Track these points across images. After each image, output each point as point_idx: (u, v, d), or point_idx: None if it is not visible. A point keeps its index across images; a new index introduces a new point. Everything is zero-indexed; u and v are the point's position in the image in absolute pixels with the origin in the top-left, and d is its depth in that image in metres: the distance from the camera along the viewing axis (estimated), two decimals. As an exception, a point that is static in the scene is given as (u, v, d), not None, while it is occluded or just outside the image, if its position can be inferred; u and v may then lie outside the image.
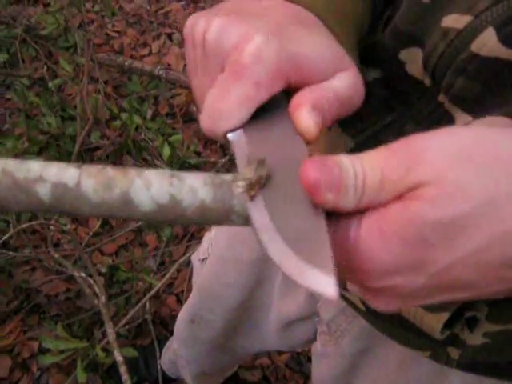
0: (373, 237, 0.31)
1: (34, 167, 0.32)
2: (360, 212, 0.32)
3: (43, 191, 0.32)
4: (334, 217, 0.33)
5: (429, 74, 0.46)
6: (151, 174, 0.32)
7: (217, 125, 0.37)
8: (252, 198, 0.32)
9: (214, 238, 0.96)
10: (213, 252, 0.96)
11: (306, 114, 0.36)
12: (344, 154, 0.32)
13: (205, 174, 0.34)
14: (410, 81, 0.48)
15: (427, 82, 0.47)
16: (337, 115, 0.39)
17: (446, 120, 0.46)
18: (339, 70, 0.39)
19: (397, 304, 0.35)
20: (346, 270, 0.33)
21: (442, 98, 0.46)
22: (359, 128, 0.53)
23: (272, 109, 0.38)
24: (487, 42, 0.39)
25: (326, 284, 0.29)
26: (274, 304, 0.88)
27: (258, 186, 0.33)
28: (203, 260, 0.98)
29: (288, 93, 0.39)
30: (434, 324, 0.52)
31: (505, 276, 0.31)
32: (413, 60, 0.47)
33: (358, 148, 0.54)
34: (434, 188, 0.30)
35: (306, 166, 0.31)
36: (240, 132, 0.37)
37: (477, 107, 0.43)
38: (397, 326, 0.59)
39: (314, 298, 0.78)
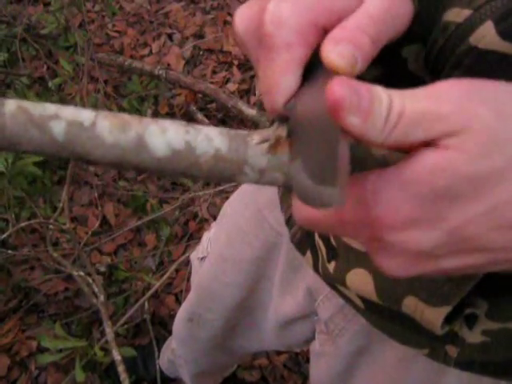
0: (393, 184, 0.31)
1: (50, 107, 0.32)
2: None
3: (58, 129, 0.31)
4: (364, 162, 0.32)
5: (429, 69, 0.46)
6: (167, 122, 0.32)
7: (273, 102, 0.36)
8: (271, 150, 0.32)
9: (214, 237, 0.96)
10: (212, 251, 0.96)
11: (328, 53, 0.33)
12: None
13: (220, 127, 0.33)
14: (411, 78, 0.47)
15: (427, 78, 0.47)
16: (379, 38, 0.36)
17: None
18: None
19: (407, 265, 0.33)
20: (362, 222, 0.32)
21: None
22: None
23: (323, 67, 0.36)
24: (486, 35, 0.39)
25: (333, 195, 0.30)
26: (273, 303, 0.88)
27: (277, 145, 0.33)
28: (202, 259, 0.98)
29: None
30: (435, 319, 0.52)
31: None
32: (415, 56, 0.47)
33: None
34: (473, 140, 0.29)
35: (334, 83, 0.29)
36: (294, 101, 0.36)
37: None
38: (396, 324, 0.59)
39: (312, 296, 0.78)
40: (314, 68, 0.36)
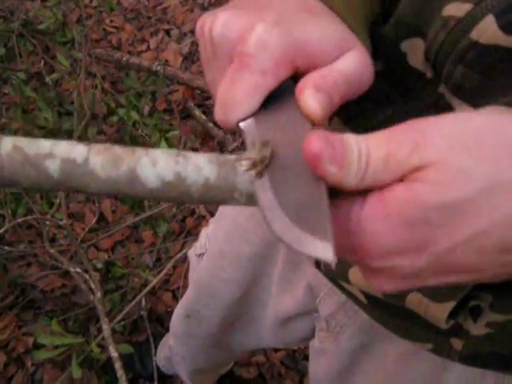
0: (376, 217, 0.32)
1: (45, 144, 0.33)
2: (362, 193, 0.33)
3: (52, 167, 0.33)
4: (337, 196, 0.34)
5: (430, 64, 0.46)
6: (157, 153, 0.34)
7: (228, 114, 0.38)
8: (258, 175, 0.33)
9: (212, 233, 0.96)
10: (210, 247, 0.95)
11: (309, 96, 0.36)
12: (349, 133, 0.33)
13: (210, 153, 0.35)
14: (412, 73, 0.48)
15: (429, 73, 0.47)
16: (345, 95, 0.39)
17: (446, 112, 0.46)
18: (346, 51, 0.39)
19: (397, 285, 0.35)
20: (348, 248, 0.34)
21: (442, 89, 0.46)
22: (360, 121, 0.53)
23: (282, 96, 0.38)
24: (487, 29, 0.40)
25: (324, 250, 0.31)
26: (272, 300, 0.88)
27: (262, 165, 0.34)
28: (200, 255, 0.98)
29: (297, 79, 0.39)
30: (439, 314, 0.52)
31: (505, 260, 0.32)
32: (414, 51, 0.47)
33: None
34: (438, 171, 0.31)
35: (310, 138, 0.32)
36: (251, 120, 0.38)
37: (477, 97, 0.43)
38: (399, 318, 0.59)
39: (312, 293, 0.77)
40: (270, 96, 0.38)
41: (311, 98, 0.36)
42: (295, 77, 0.39)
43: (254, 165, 0.34)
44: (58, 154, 0.33)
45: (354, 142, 0.32)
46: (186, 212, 1.92)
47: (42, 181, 0.33)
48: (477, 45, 0.41)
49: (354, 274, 0.58)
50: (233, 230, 0.87)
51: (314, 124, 0.37)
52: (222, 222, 0.92)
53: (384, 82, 0.50)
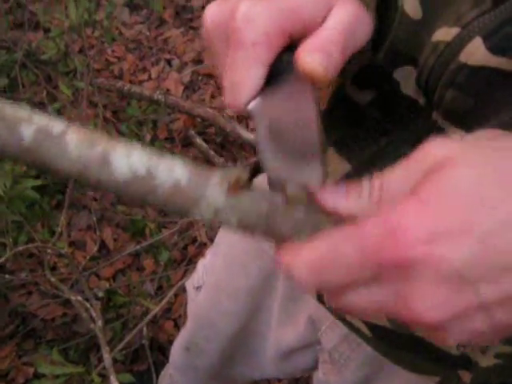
0: (411, 202, 0.30)
1: (25, 112, 0.32)
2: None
3: (27, 132, 0.32)
4: None
5: (422, 90, 0.47)
6: (135, 147, 0.33)
7: (235, 99, 0.37)
8: (230, 192, 0.33)
9: (209, 265, 0.95)
10: (208, 279, 0.95)
11: (306, 57, 0.36)
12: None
13: (188, 161, 0.34)
14: (405, 101, 0.48)
15: (421, 100, 0.47)
16: (345, 50, 0.38)
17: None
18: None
19: (443, 295, 0.29)
20: (374, 245, 0.30)
21: (435, 115, 0.47)
22: (355, 151, 0.53)
23: (287, 71, 0.38)
24: (475, 51, 0.40)
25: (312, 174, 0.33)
26: (273, 333, 0.87)
27: (236, 184, 0.33)
28: (198, 288, 0.97)
29: None
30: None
31: None
32: (407, 79, 0.47)
33: (356, 172, 0.54)
34: (463, 157, 0.30)
35: (320, 193, 0.34)
36: (258, 100, 0.37)
37: (469, 120, 0.43)
38: (405, 351, 0.58)
39: (314, 326, 0.77)
40: (276, 74, 0.37)
41: (308, 58, 0.35)
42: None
43: (228, 181, 0.33)
44: (36, 122, 0.32)
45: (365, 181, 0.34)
46: (188, 240, 1.92)
47: (12, 144, 0.32)
48: (466, 67, 0.41)
49: None
50: (230, 263, 0.87)
51: (319, 87, 0.36)
52: (219, 254, 0.91)
53: (376, 111, 0.51)
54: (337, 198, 0.33)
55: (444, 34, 0.42)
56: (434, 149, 0.32)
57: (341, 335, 0.72)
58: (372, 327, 0.59)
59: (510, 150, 0.31)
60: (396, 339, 0.58)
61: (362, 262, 0.30)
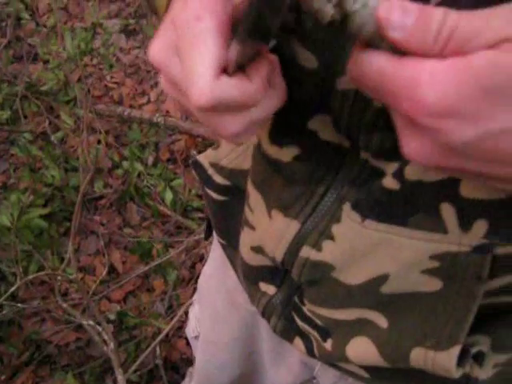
0: (451, 68, 0.30)
1: None
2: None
3: None
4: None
5: (344, 135, 0.47)
6: None
7: (199, 84, 0.36)
8: None
9: (199, 316, 0.96)
10: (201, 331, 0.95)
11: None
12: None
13: None
14: (329, 147, 0.49)
15: (345, 143, 0.48)
16: None
17: (376, 174, 0.47)
18: None
19: (434, 153, 0.33)
20: (407, 94, 0.32)
21: (364, 154, 0.47)
22: (298, 208, 0.54)
23: None
24: None
25: None
26: (268, 373, 0.87)
27: None
28: (196, 337, 0.98)
29: None
30: (448, 362, 0.51)
31: None
32: (323, 127, 0.48)
33: (304, 229, 0.54)
34: None
35: (384, 5, 0.32)
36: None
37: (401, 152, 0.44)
38: None
39: (308, 366, 0.76)
40: None
41: None
42: None
43: None
44: None
45: (439, 11, 0.31)
46: (195, 258, 1.95)
47: None
48: (385, 110, 0.40)
49: (353, 349, 0.57)
50: (214, 318, 0.88)
51: None
52: (204, 305, 0.92)
53: (305, 164, 0.51)
54: (405, 16, 0.31)
55: (347, 83, 0.43)
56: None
57: (336, 374, 0.71)
58: (368, 369, 0.59)
59: None
60: (394, 374, 0.58)
61: (385, 97, 0.33)
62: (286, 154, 0.52)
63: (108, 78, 2.45)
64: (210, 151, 0.68)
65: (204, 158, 0.68)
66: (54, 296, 1.72)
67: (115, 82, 2.44)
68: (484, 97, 0.30)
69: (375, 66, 0.33)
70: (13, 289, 1.50)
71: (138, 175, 2.08)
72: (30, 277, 1.52)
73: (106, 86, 2.43)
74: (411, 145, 0.34)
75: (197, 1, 0.37)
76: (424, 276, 0.49)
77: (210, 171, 0.66)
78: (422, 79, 0.31)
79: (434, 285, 0.49)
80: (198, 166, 0.68)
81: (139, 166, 2.07)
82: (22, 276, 1.53)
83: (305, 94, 0.47)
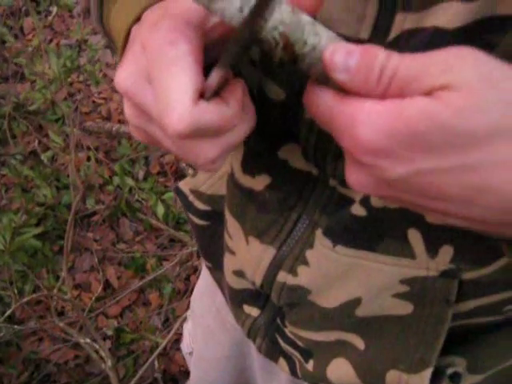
0: (389, 114, 0.32)
1: None
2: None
3: None
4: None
5: (312, 163, 0.49)
6: None
7: (177, 110, 0.36)
8: None
9: (193, 332, 0.96)
10: (194, 348, 0.96)
11: None
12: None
13: None
14: (299, 175, 0.51)
15: (314, 171, 0.50)
16: None
17: (345, 201, 0.49)
18: None
19: (374, 186, 0.35)
20: (348, 132, 0.33)
21: (332, 182, 0.49)
22: (273, 234, 0.55)
23: None
24: None
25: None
26: None
27: None
28: (190, 353, 0.98)
29: None
30: None
31: (482, 203, 0.33)
32: (293, 155, 0.50)
33: (280, 255, 0.56)
34: (462, 97, 0.31)
35: (329, 48, 0.33)
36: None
37: None
38: None
39: (296, 380, 0.77)
40: None
41: None
42: None
43: None
44: None
45: (382, 54, 0.33)
46: (190, 270, 1.96)
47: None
48: None
49: (332, 370, 0.58)
50: (206, 334, 0.88)
51: None
52: (197, 322, 0.93)
53: (277, 192, 0.53)
54: (348, 58, 0.33)
55: None
56: (458, 66, 0.32)
57: None
58: None
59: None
60: None
61: (332, 132, 0.35)
62: (258, 183, 0.54)
63: (96, 94, 2.46)
64: (189, 178, 0.69)
65: (184, 185, 0.69)
66: (51, 315, 1.73)
67: (103, 98, 2.46)
68: (412, 141, 0.32)
69: (323, 101, 0.35)
70: (9, 312, 1.51)
71: (130, 190, 2.09)
72: (25, 299, 1.53)
73: (93, 101, 2.44)
74: (353, 176, 0.36)
75: (167, 24, 0.37)
76: (395, 300, 0.51)
77: (191, 197, 0.68)
78: (359, 119, 0.33)
79: (405, 308, 0.51)
80: (179, 193, 0.70)
81: (130, 181, 2.08)
82: (18, 298, 1.54)
83: (273, 124, 0.48)
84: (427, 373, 0.52)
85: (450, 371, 0.54)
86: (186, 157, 0.40)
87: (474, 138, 0.31)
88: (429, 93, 0.32)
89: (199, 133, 0.37)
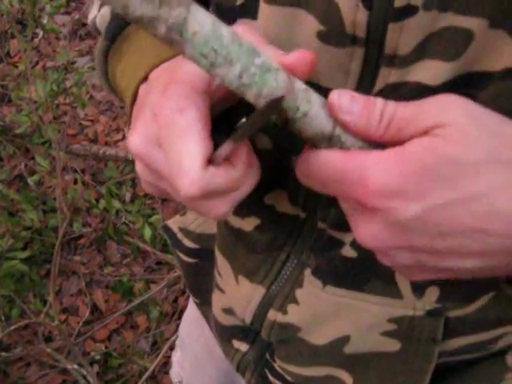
0: (392, 156, 0.35)
1: None
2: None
3: None
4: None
5: (300, 208, 0.50)
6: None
7: (189, 169, 0.37)
8: None
9: (182, 362, 0.97)
10: (183, 377, 0.96)
11: None
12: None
13: None
14: (285, 219, 0.52)
15: (301, 214, 0.51)
16: None
17: (335, 243, 0.50)
18: None
19: (380, 233, 0.36)
20: (352, 180, 0.36)
21: (321, 224, 0.51)
22: (262, 274, 0.56)
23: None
24: None
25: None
26: None
27: None
28: (180, 382, 0.99)
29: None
30: None
31: (494, 232, 0.35)
32: (279, 200, 0.51)
33: (270, 294, 0.57)
34: (459, 131, 0.34)
35: (336, 92, 0.36)
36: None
37: None
38: None
39: None
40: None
41: None
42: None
43: None
44: None
45: (380, 100, 0.36)
46: (177, 293, 1.96)
47: None
48: None
49: None
50: (194, 362, 0.89)
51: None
52: (185, 351, 0.93)
53: (266, 233, 0.55)
54: (353, 102, 0.36)
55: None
56: (449, 110, 0.35)
57: None
58: None
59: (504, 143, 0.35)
60: None
61: (335, 188, 0.38)
62: (248, 224, 0.55)
63: (82, 116, 2.46)
64: (178, 217, 0.70)
65: (173, 223, 0.70)
66: (38, 340, 1.72)
67: (89, 120, 2.46)
68: (421, 176, 0.34)
69: (322, 161, 0.37)
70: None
71: (117, 212, 2.09)
72: (12, 327, 1.52)
73: (80, 124, 2.45)
74: (364, 230, 0.37)
75: (176, 91, 0.39)
76: (383, 338, 0.52)
77: (179, 235, 0.69)
78: (368, 166, 0.35)
79: (393, 345, 0.53)
80: (167, 230, 0.71)
81: (117, 204, 2.09)
82: (5, 324, 1.54)
83: (262, 171, 0.50)
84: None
85: None
86: (197, 211, 0.42)
87: (476, 165, 0.34)
88: (425, 133, 0.34)
89: (209, 195, 0.39)
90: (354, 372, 0.56)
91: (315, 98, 0.36)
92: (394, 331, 0.51)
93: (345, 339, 0.54)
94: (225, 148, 0.38)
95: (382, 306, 0.50)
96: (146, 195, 2.20)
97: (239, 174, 0.40)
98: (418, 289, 0.49)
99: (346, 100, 0.36)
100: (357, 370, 0.56)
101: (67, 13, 2.81)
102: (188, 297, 1.94)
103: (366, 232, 0.37)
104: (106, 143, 2.36)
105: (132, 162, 2.15)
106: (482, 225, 0.34)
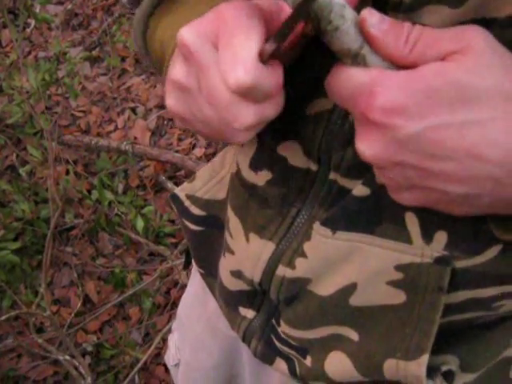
0: (404, 75, 0.37)
1: None
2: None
3: None
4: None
5: (313, 159, 0.52)
6: None
7: (244, 66, 0.40)
8: None
9: (179, 343, 0.96)
10: (181, 358, 0.96)
11: None
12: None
13: None
14: (297, 173, 0.53)
15: (313, 167, 0.52)
16: None
17: (344, 193, 0.52)
18: None
19: (384, 147, 0.39)
20: (360, 91, 0.38)
21: (333, 175, 0.52)
22: (272, 229, 0.57)
23: None
24: None
25: None
26: None
27: None
28: (176, 365, 0.99)
29: None
30: (418, 371, 0.54)
31: (488, 159, 0.37)
32: (292, 152, 0.53)
33: (279, 250, 0.57)
34: (473, 57, 0.36)
35: (366, 10, 0.38)
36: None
37: (371, 171, 0.47)
38: None
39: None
40: None
41: None
42: None
43: None
44: None
45: (407, 23, 0.38)
46: (170, 284, 1.96)
47: None
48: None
49: (330, 364, 0.59)
50: (194, 343, 0.89)
51: None
52: (184, 333, 0.93)
53: (277, 187, 0.56)
54: (382, 21, 0.38)
55: (323, 103, 0.48)
56: (470, 35, 0.37)
57: None
58: None
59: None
60: None
61: (349, 101, 0.40)
62: (261, 179, 0.57)
63: (74, 106, 2.45)
64: (186, 184, 0.71)
65: (180, 191, 0.71)
66: (30, 331, 1.72)
67: (82, 111, 2.45)
68: (426, 97, 0.36)
69: (345, 74, 0.40)
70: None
71: (109, 204, 2.09)
72: (3, 318, 1.52)
73: (72, 114, 2.44)
74: (364, 141, 0.40)
75: (244, 3, 0.42)
76: (389, 288, 0.52)
77: (187, 203, 0.70)
78: (379, 81, 0.38)
79: (399, 298, 0.53)
80: (175, 199, 0.71)
81: (109, 195, 2.08)
82: (-4, 315, 1.53)
83: (276, 120, 0.50)
84: (424, 359, 0.53)
85: (443, 369, 0.56)
86: (224, 117, 0.43)
87: (480, 93, 0.36)
88: (443, 58, 0.37)
89: (256, 89, 0.41)
90: (359, 327, 0.56)
91: (349, 14, 0.38)
92: (400, 280, 0.52)
93: (351, 287, 0.54)
94: (270, 45, 0.41)
95: (390, 250, 0.51)
96: (138, 186, 2.19)
97: (280, 80, 0.42)
98: (427, 233, 0.50)
99: (376, 17, 0.38)
100: (362, 324, 0.56)
101: (60, 3, 2.79)
102: (180, 287, 1.94)
103: (366, 143, 0.39)
104: (99, 134, 2.35)
105: (124, 153, 2.14)
106: (475, 150, 0.36)
